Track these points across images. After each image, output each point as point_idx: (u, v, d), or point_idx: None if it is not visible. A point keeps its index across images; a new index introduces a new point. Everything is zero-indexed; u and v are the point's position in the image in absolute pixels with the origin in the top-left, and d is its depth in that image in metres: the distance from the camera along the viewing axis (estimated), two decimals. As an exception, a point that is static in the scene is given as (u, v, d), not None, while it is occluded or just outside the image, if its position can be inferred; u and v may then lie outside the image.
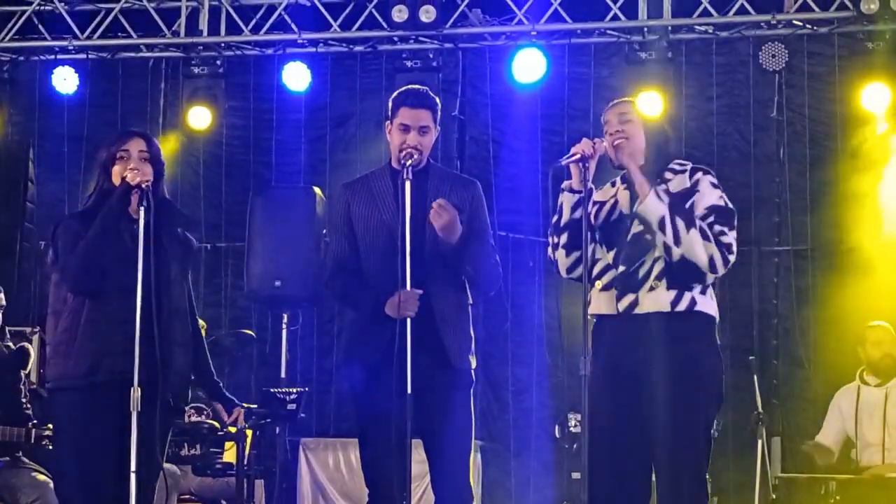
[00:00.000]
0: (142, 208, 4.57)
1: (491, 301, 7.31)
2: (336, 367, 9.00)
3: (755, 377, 7.42)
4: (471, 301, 4.95)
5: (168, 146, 8.63)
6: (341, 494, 8.31)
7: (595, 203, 4.70)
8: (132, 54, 9.39)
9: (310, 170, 9.40)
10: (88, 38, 9.22)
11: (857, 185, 8.48)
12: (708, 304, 4.60)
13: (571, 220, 4.61)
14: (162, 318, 4.56)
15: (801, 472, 7.58)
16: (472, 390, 4.89)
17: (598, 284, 4.65)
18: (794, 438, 8.40)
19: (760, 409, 7.23)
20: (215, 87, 9.08)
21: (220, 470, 6.68)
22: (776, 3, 8.60)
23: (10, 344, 6.54)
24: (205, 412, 7.05)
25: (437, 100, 4.98)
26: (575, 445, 7.69)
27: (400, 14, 8.67)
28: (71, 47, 9.23)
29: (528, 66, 8.75)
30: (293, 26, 9.05)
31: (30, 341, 7.46)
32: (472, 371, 4.90)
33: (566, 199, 4.63)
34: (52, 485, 5.72)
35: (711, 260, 4.52)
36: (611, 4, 8.71)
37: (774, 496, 7.19)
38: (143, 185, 4.62)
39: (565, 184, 4.63)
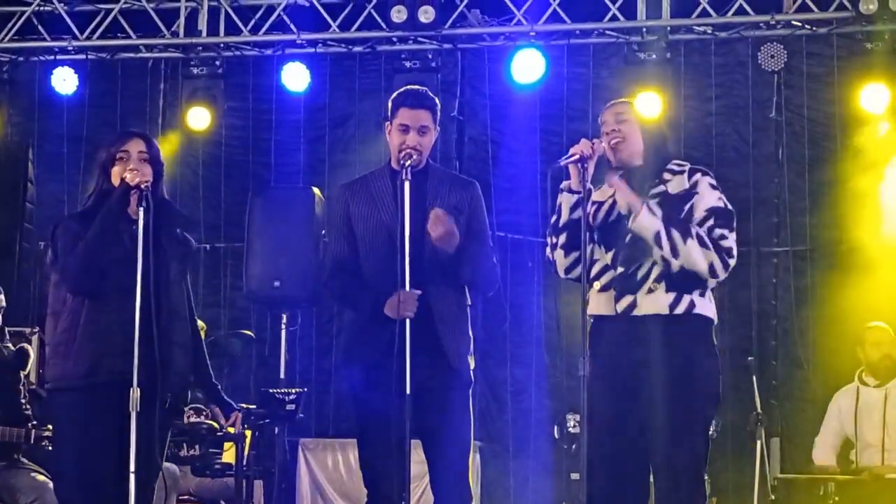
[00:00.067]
0: (141, 209, 4.56)
1: (490, 302, 7.30)
2: (335, 367, 8.99)
3: (754, 378, 7.43)
4: (469, 302, 4.94)
5: (167, 147, 8.62)
6: (340, 495, 8.31)
7: (594, 203, 4.69)
8: (131, 55, 9.38)
9: (309, 170, 9.39)
10: (88, 38, 9.21)
11: (856, 185, 8.46)
12: (706, 306, 4.61)
13: (570, 220, 4.61)
14: (161, 318, 4.55)
15: (800, 472, 7.59)
16: (470, 391, 4.89)
17: (597, 285, 4.66)
18: (793, 439, 8.41)
19: (759, 410, 7.24)
20: (214, 88, 9.07)
21: (219, 470, 6.68)
22: (775, 3, 8.60)
23: (10, 345, 6.52)
24: (204, 413, 7.04)
25: (437, 100, 4.97)
26: (574, 446, 7.68)
27: (399, 15, 8.67)
28: (70, 48, 9.22)
29: (527, 66, 8.74)
30: (292, 27, 9.05)
31: (29, 342, 7.46)
32: (471, 371, 4.89)
33: (565, 200, 4.63)
34: (51, 485, 5.71)
35: (711, 266, 4.52)
36: (609, 5, 8.70)
37: (773, 497, 7.19)
38: (143, 186, 4.61)
39: (564, 184, 4.63)
